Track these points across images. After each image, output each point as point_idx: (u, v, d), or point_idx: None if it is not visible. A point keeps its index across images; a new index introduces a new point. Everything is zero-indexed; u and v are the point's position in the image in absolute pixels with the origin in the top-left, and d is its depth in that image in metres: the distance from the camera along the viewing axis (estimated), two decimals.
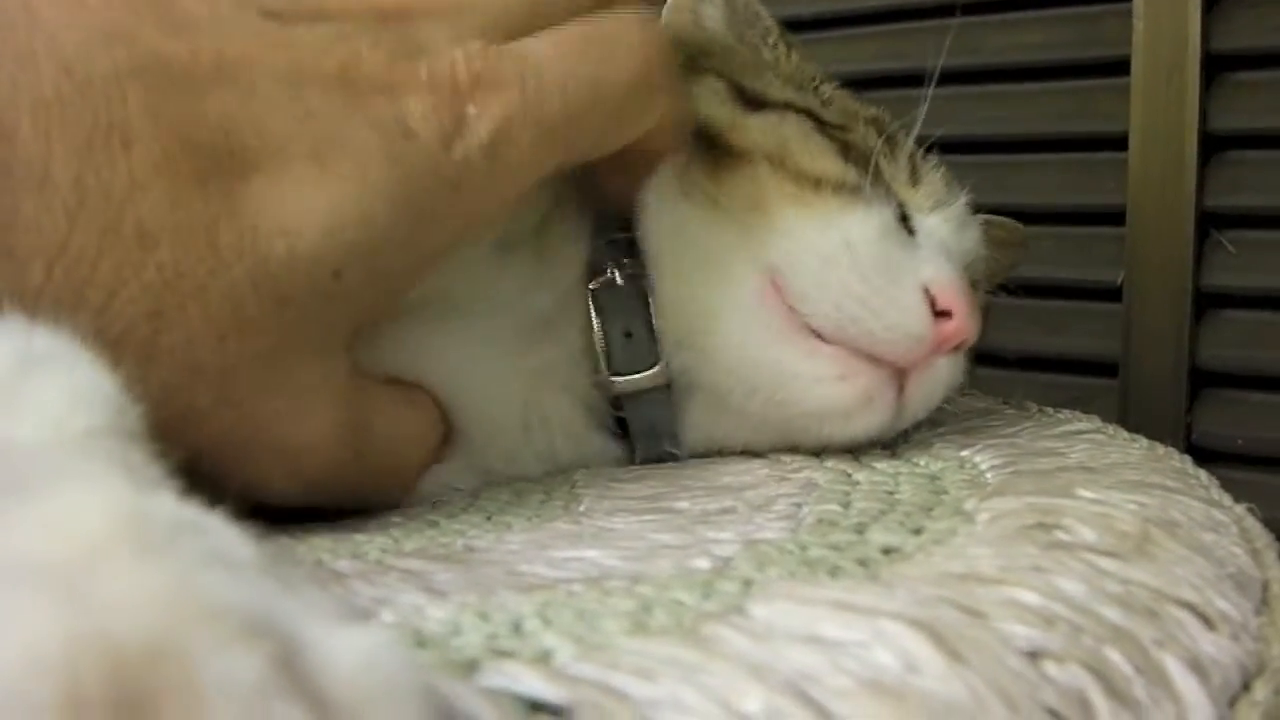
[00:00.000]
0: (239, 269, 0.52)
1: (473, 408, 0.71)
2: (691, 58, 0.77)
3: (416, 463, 0.69)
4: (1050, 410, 0.88)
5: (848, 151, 0.74)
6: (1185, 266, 1.24)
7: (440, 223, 0.59)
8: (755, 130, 0.73)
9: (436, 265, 0.62)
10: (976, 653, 0.37)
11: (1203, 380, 1.26)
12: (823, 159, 0.73)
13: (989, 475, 0.66)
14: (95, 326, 0.48)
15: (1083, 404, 1.25)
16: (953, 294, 0.70)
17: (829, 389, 0.69)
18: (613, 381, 0.73)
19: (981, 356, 1.31)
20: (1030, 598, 0.42)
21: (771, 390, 0.70)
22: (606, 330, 0.72)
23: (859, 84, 1.26)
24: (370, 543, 0.59)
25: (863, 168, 0.73)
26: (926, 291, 0.69)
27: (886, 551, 0.50)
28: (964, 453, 0.71)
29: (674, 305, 0.72)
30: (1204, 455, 1.22)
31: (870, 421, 0.71)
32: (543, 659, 0.37)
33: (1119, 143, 1.26)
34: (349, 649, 0.27)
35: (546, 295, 0.72)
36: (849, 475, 0.68)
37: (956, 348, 0.71)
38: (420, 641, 0.40)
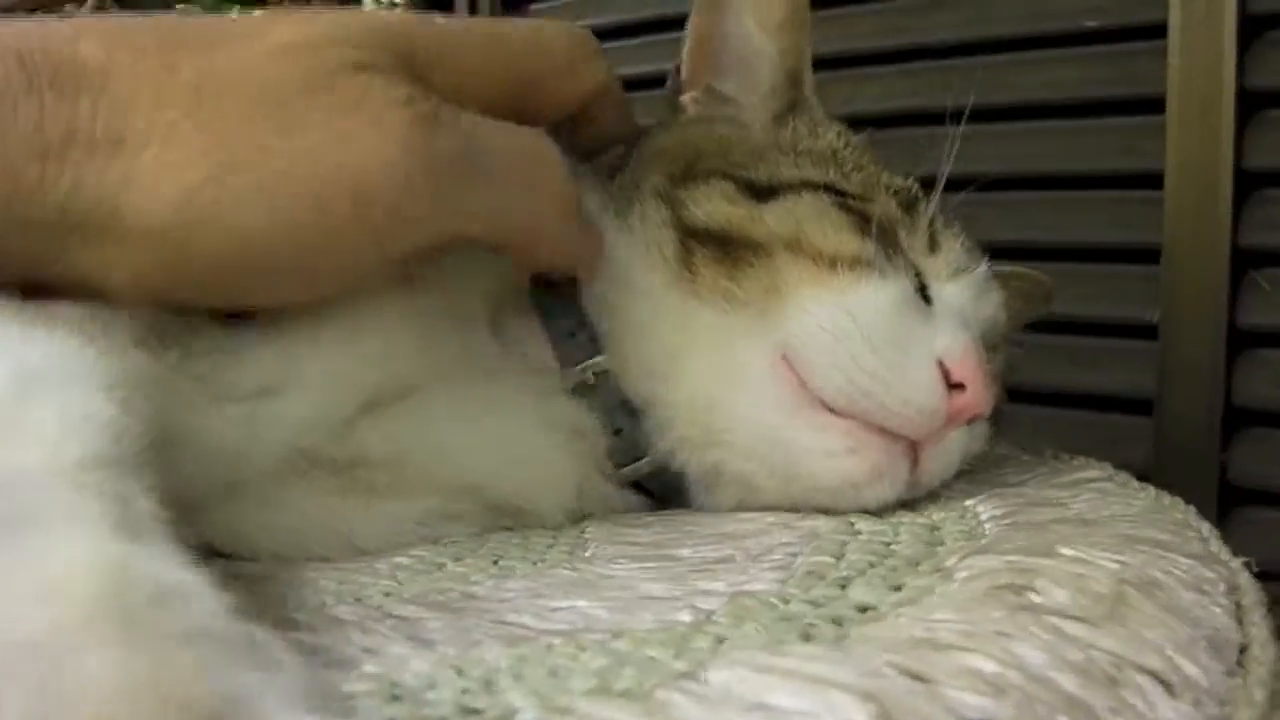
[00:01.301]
0: (259, 56, 0.61)
1: (511, 478, 0.74)
2: (689, 166, 0.78)
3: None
4: (1066, 457, 0.88)
5: (865, 224, 0.74)
6: (1220, 304, 1.24)
7: (433, 56, 0.67)
8: (771, 219, 0.74)
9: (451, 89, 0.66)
10: None
11: (1238, 419, 1.26)
12: (838, 235, 0.73)
13: (987, 526, 0.67)
14: (151, 122, 0.57)
15: (1117, 442, 1.26)
16: (967, 366, 0.70)
17: (839, 463, 0.70)
18: (618, 473, 0.76)
19: (1014, 394, 1.32)
20: (987, 665, 0.43)
21: (785, 465, 0.71)
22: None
23: (891, 121, 1.29)
24: (375, 585, 0.61)
25: (880, 239, 0.74)
26: (940, 364, 0.70)
27: (863, 609, 0.51)
28: (969, 502, 0.72)
29: (688, 402, 0.73)
30: (1239, 494, 1.23)
31: (881, 494, 0.71)
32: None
33: (1154, 180, 1.26)
34: None
35: (530, 397, 0.74)
36: (852, 525, 0.69)
37: (971, 420, 0.72)
38: (396, 695, 0.41)
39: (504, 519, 0.75)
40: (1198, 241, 1.24)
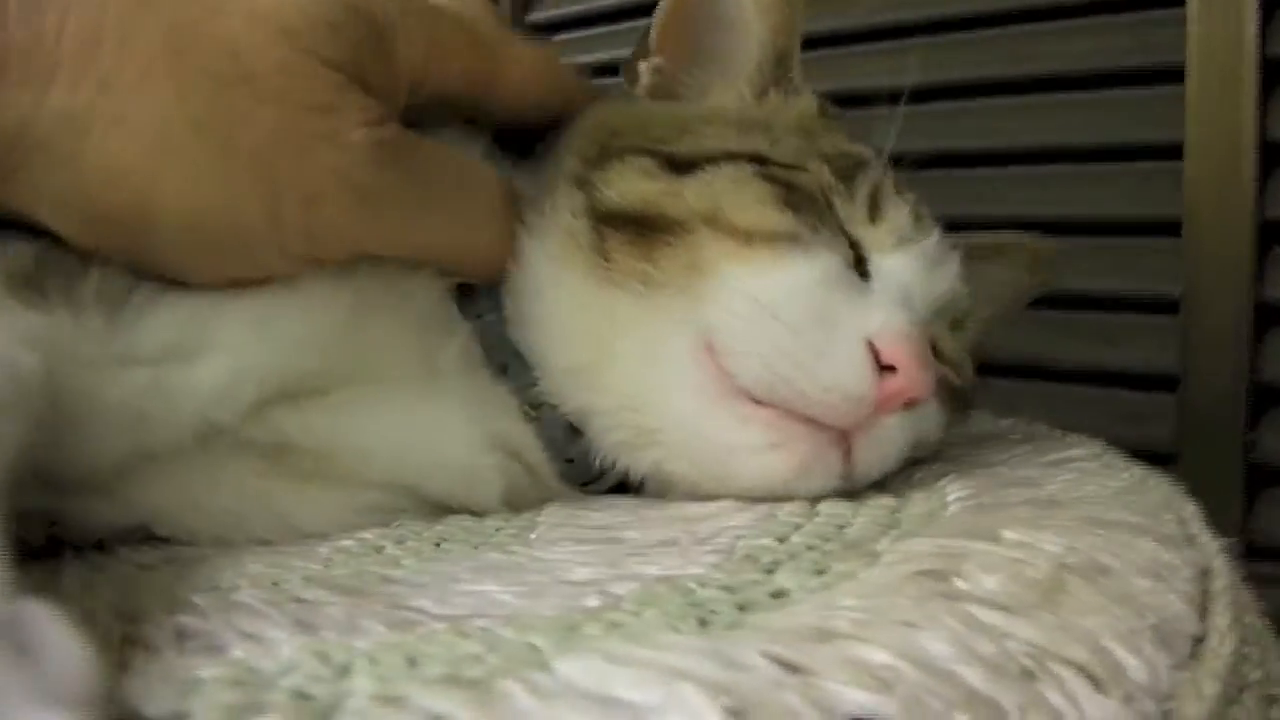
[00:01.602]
0: (236, 15, 0.60)
1: (443, 485, 0.72)
2: (604, 146, 0.73)
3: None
4: (1058, 434, 0.85)
5: (790, 195, 0.69)
6: (1245, 279, 1.20)
7: (401, 36, 0.67)
8: (689, 194, 0.68)
9: (418, 74, 0.67)
10: (777, 719, 0.36)
11: (1265, 396, 1.22)
12: (756, 209, 0.68)
13: (952, 508, 0.64)
14: (120, 60, 0.57)
15: (1140, 420, 1.22)
16: (899, 347, 0.64)
17: (763, 459, 0.65)
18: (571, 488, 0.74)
19: (1035, 371, 1.29)
20: (877, 656, 0.40)
21: (712, 462, 0.67)
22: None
23: (903, 98, 1.25)
24: (302, 569, 0.59)
25: (807, 210, 0.69)
26: (870, 345, 0.64)
27: (776, 595, 0.49)
28: (940, 482, 0.69)
29: (618, 404, 0.70)
30: (1266, 473, 1.19)
31: (812, 487, 0.66)
32: (322, 710, 0.36)
33: (1174, 152, 1.22)
34: None
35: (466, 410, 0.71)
36: (813, 507, 0.66)
37: (908, 405, 0.66)
38: (241, 681, 0.40)
39: (452, 510, 0.72)
40: (1220, 214, 1.20)
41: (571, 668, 0.38)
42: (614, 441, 0.71)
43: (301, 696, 0.37)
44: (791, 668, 0.39)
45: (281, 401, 0.67)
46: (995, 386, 0.93)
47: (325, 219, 0.63)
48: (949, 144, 1.34)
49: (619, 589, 0.51)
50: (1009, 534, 0.54)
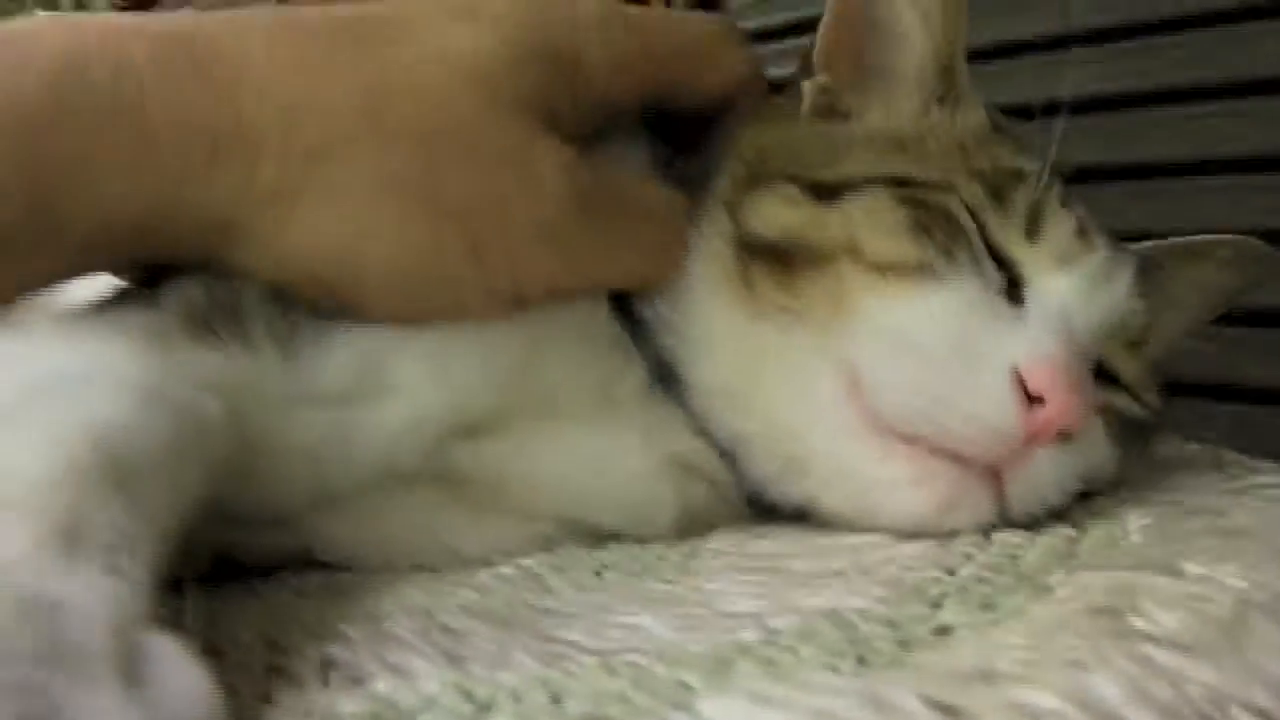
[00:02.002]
0: (428, 67, 0.62)
1: (618, 518, 0.71)
2: (754, 170, 0.71)
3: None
4: (1247, 461, 0.80)
5: (928, 219, 0.66)
6: None
7: (585, 67, 0.67)
8: (833, 224, 0.67)
9: (600, 102, 0.68)
10: None
11: None
12: (889, 239, 0.65)
13: (1134, 536, 0.61)
14: (322, 132, 0.59)
15: None
16: (1047, 376, 0.61)
17: (906, 495, 0.62)
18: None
19: (1225, 391, 1.23)
20: (1044, 700, 0.37)
21: (859, 498, 0.64)
22: None
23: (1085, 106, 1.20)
24: (458, 596, 0.59)
25: (948, 234, 0.65)
26: (1017, 374, 0.61)
27: (940, 631, 0.46)
28: (1120, 510, 0.65)
29: (766, 434, 0.68)
30: None
31: (960, 523, 0.62)
32: None
33: None
34: None
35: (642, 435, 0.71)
36: (986, 536, 0.62)
37: (1061, 436, 0.62)
38: (378, 715, 0.39)
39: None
40: None
41: (716, 708, 0.37)
42: (767, 470, 0.69)
43: None
44: (949, 711, 0.36)
45: (457, 436, 0.67)
46: (1183, 406, 0.89)
47: (528, 267, 0.64)
48: (1147, 154, 1.29)
49: (778, 622, 0.49)
50: (1190, 567, 0.50)
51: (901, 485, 0.62)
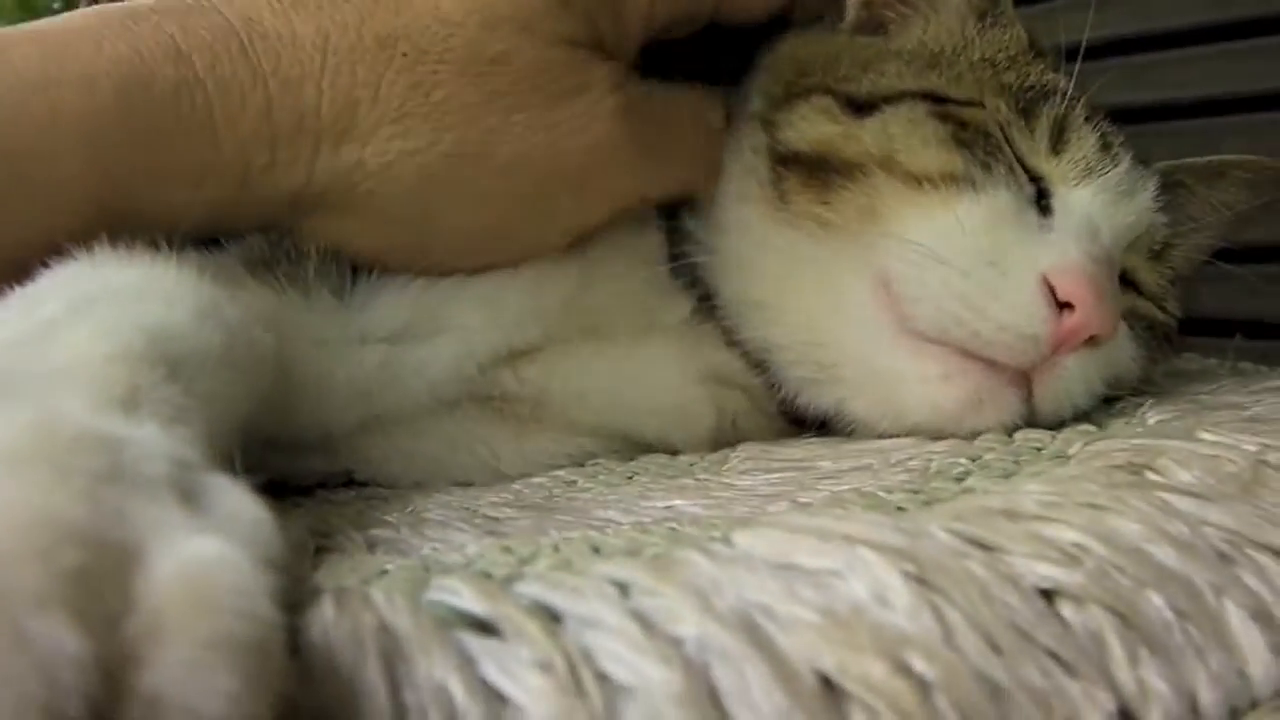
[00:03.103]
0: (472, 21, 0.62)
1: (656, 427, 0.73)
2: (790, 84, 0.73)
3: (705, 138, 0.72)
4: (1266, 370, 0.81)
5: (962, 133, 0.67)
6: None
7: None
8: (867, 136, 0.68)
9: (646, 17, 0.68)
10: (957, 586, 0.35)
11: None
12: (929, 150, 0.66)
13: (1152, 421, 0.62)
14: (375, 117, 0.61)
15: None
16: (1076, 283, 0.62)
17: (933, 389, 0.64)
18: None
19: (1248, 326, 1.23)
20: (1065, 534, 0.39)
21: (888, 396, 0.66)
22: None
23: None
24: (493, 498, 0.61)
25: (982, 147, 0.67)
26: (1046, 281, 0.62)
27: (964, 492, 0.48)
28: (1141, 408, 0.66)
29: (798, 340, 0.69)
30: None
31: (985, 422, 0.63)
32: (502, 580, 0.36)
33: None
34: (179, 559, 0.28)
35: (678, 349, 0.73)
36: (1009, 434, 0.63)
37: (1090, 342, 0.63)
38: (425, 567, 0.40)
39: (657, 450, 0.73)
40: None
41: (752, 540, 0.38)
42: (797, 377, 0.70)
43: (484, 575, 0.37)
44: (976, 543, 0.38)
45: (503, 360, 0.69)
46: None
47: (595, 193, 0.66)
48: (1171, 94, 1.29)
49: (807, 497, 0.51)
50: (1206, 435, 0.51)
51: (931, 381, 0.64)
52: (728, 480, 0.61)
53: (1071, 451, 0.53)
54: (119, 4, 0.62)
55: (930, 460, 0.58)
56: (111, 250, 0.56)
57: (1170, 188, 0.74)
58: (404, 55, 0.62)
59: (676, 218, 0.73)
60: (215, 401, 0.46)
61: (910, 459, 0.60)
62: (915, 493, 0.48)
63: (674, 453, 0.72)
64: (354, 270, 0.65)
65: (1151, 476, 0.46)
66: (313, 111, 0.60)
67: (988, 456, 0.57)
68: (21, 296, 0.52)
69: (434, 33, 0.62)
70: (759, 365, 0.72)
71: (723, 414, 0.73)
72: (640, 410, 0.72)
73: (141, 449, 0.33)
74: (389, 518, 0.53)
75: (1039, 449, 0.59)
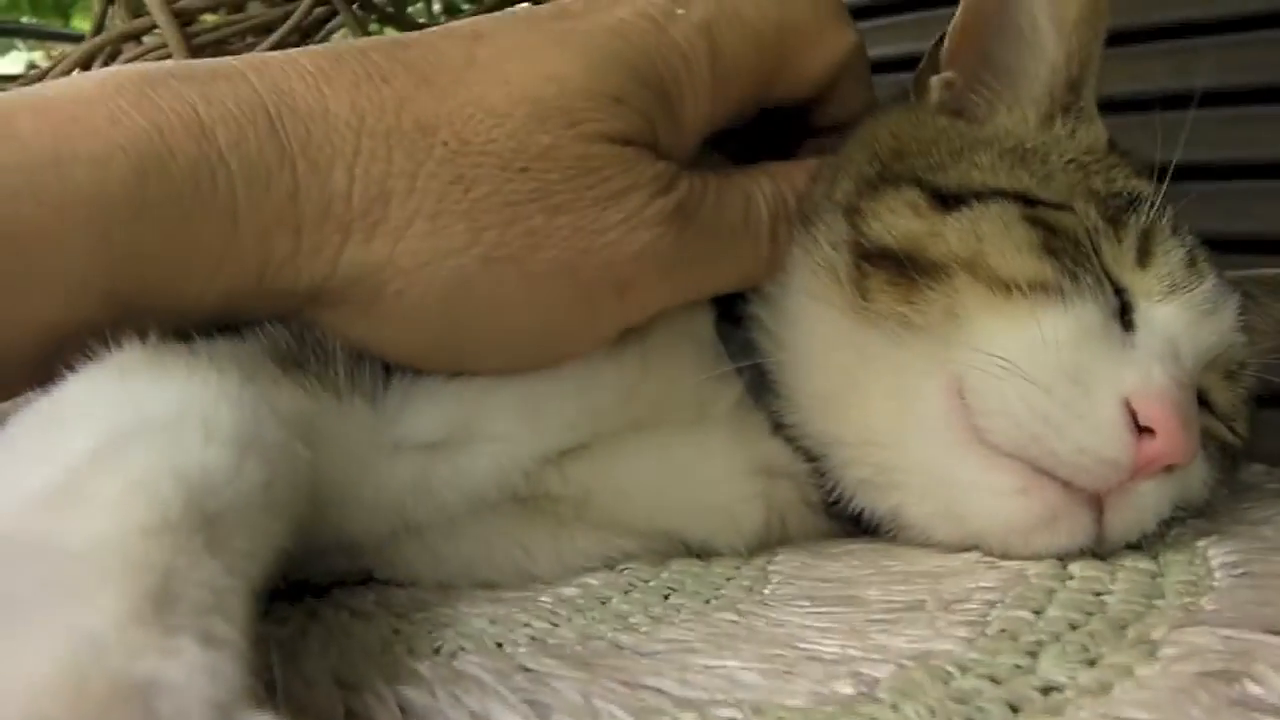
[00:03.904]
0: (519, 113, 0.59)
1: (703, 526, 0.70)
2: (885, 167, 0.70)
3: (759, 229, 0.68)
4: None
5: (1052, 240, 0.65)
6: None
7: (685, 89, 0.65)
8: (952, 236, 0.65)
9: (706, 120, 0.67)
10: None
11: None
12: (1018, 257, 0.64)
13: (1218, 575, 0.59)
14: (409, 210, 0.57)
15: None
16: (1159, 409, 0.60)
17: (1006, 503, 0.62)
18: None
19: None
20: None
21: (953, 504, 0.63)
22: None
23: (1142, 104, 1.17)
24: (527, 627, 0.58)
25: (1071, 256, 0.64)
26: (1128, 404, 0.60)
27: (1045, 691, 0.44)
28: (1200, 543, 0.64)
29: (862, 440, 0.67)
30: None
31: (1055, 543, 0.62)
32: None
33: None
34: None
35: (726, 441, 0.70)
36: (1064, 567, 0.61)
37: (1167, 468, 0.61)
38: None
39: (693, 552, 0.70)
40: None
41: None
42: (855, 478, 0.68)
43: None
44: None
45: (547, 462, 0.66)
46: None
47: (639, 298, 0.63)
48: (1202, 155, 1.26)
49: (871, 671, 0.48)
50: None
51: (1004, 495, 0.61)
52: (773, 614, 0.58)
53: (1154, 636, 0.49)
54: (136, 67, 0.59)
55: (989, 606, 0.55)
56: (140, 350, 0.54)
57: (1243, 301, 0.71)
58: (445, 144, 0.58)
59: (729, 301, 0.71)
60: (256, 560, 0.44)
61: (964, 599, 0.57)
62: (992, 680, 0.45)
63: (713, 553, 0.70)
64: (386, 370, 0.62)
65: (1252, 690, 0.43)
66: (342, 198, 0.57)
67: (1052, 611, 0.54)
68: (47, 417, 0.50)
69: (479, 122, 0.59)
70: (809, 456, 0.69)
71: (771, 511, 0.71)
72: (688, 510, 0.69)
73: (178, 697, 0.30)
74: (420, 666, 0.50)
75: (1099, 594, 0.57)
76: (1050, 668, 0.47)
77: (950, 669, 0.47)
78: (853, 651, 0.51)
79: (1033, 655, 0.49)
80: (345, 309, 0.59)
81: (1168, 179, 0.68)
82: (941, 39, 0.75)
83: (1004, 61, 0.74)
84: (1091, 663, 0.47)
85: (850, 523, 0.71)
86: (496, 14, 0.68)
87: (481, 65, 0.61)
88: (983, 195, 0.67)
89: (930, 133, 0.72)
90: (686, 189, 0.63)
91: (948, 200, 0.67)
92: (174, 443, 0.45)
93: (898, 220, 0.67)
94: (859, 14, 1.32)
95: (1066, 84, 0.72)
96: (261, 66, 0.59)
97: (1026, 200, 0.67)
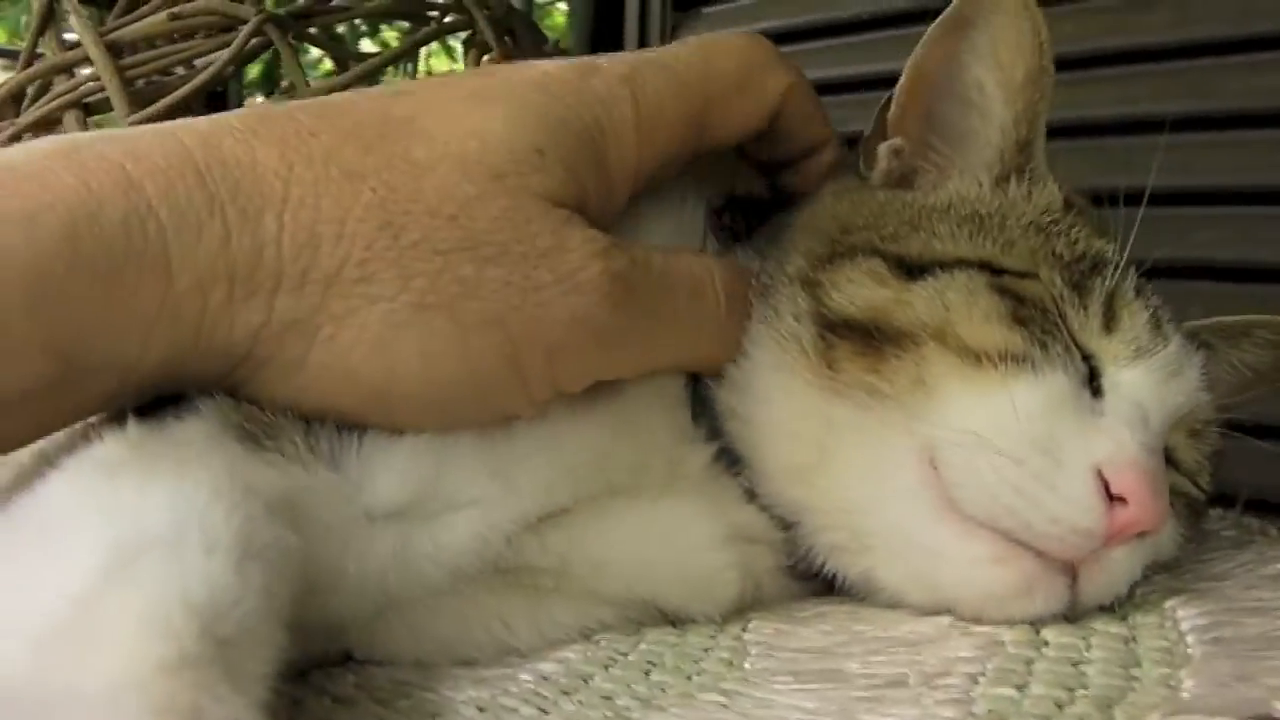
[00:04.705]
0: (443, 168, 0.59)
1: (680, 593, 0.70)
2: (835, 242, 0.70)
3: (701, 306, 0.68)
4: (1273, 535, 0.80)
5: (1020, 308, 0.65)
6: None
7: (610, 137, 0.65)
8: (919, 304, 0.65)
9: (634, 169, 0.66)
10: None
11: None
12: (986, 326, 0.64)
13: (1189, 640, 0.60)
14: (339, 256, 0.57)
15: None
16: (1130, 477, 0.61)
17: (982, 573, 0.63)
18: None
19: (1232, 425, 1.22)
20: None
21: (928, 574, 0.64)
22: None
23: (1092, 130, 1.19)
24: (515, 714, 0.58)
25: (1038, 325, 0.65)
26: (1100, 473, 0.61)
27: None
28: (1168, 604, 0.65)
29: (834, 507, 0.68)
30: None
31: (1030, 611, 0.63)
32: None
33: None
34: None
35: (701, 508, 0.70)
36: (1037, 633, 0.62)
37: (1140, 535, 0.62)
38: None
39: (668, 619, 0.71)
40: None
41: None
42: (827, 544, 0.69)
43: None
44: None
45: (525, 530, 0.66)
46: None
47: (567, 363, 0.62)
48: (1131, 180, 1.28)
49: None
50: None
51: (980, 564, 0.63)
52: (758, 695, 0.58)
53: None
54: (63, 136, 0.59)
55: (971, 681, 0.56)
56: (123, 443, 0.54)
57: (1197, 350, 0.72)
58: (373, 191, 0.58)
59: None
60: (267, 679, 0.45)
61: (945, 673, 0.58)
62: None
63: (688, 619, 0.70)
64: (340, 433, 0.61)
65: None
66: (273, 244, 0.56)
67: (1035, 689, 0.55)
68: (35, 527, 0.49)
69: (404, 172, 0.59)
70: (783, 524, 0.70)
71: (747, 579, 0.71)
72: (666, 579, 0.69)
73: None
74: None
75: (1077, 664, 0.58)
76: None
77: None
78: None
79: None
80: (280, 363, 0.58)
81: (1131, 237, 0.69)
82: (888, 104, 0.75)
83: (952, 125, 0.74)
84: None
85: (822, 586, 0.71)
86: (421, 79, 0.69)
87: (403, 121, 0.61)
88: (947, 265, 0.67)
89: (874, 207, 0.72)
90: (627, 261, 0.63)
91: (911, 270, 0.67)
92: (177, 560, 0.45)
93: (859, 290, 0.67)
94: (817, 34, 1.34)
95: (1017, 145, 0.73)
96: (188, 125, 0.59)
97: (992, 269, 0.67)
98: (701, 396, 0.71)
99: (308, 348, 0.58)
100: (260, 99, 2.10)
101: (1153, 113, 1.25)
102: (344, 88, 1.14)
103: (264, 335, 0.57)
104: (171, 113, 1.17)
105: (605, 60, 0.67)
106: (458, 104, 0.63)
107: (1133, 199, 0.70)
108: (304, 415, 0.60)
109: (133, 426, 0.56)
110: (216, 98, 1.49)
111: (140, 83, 1.27)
